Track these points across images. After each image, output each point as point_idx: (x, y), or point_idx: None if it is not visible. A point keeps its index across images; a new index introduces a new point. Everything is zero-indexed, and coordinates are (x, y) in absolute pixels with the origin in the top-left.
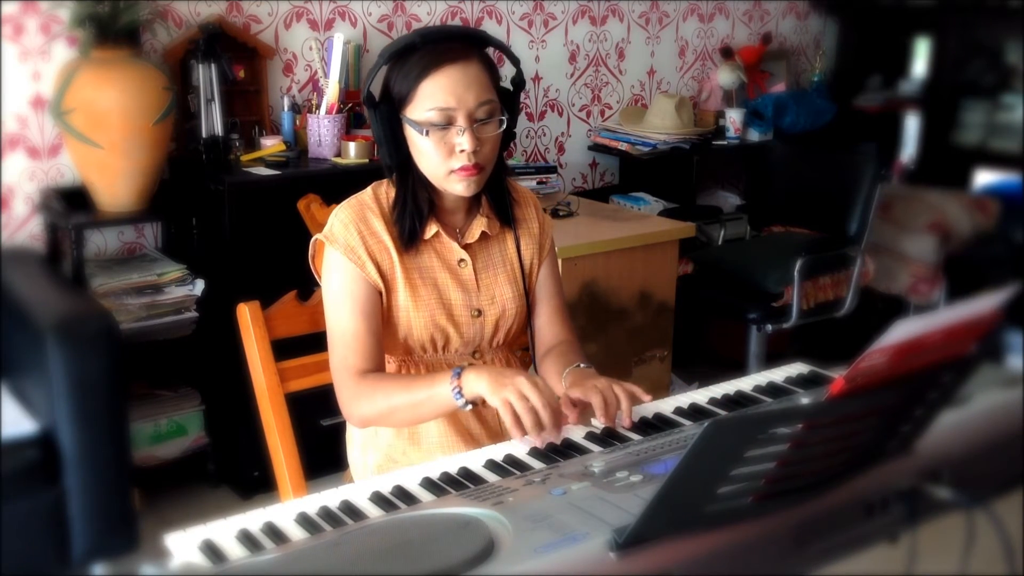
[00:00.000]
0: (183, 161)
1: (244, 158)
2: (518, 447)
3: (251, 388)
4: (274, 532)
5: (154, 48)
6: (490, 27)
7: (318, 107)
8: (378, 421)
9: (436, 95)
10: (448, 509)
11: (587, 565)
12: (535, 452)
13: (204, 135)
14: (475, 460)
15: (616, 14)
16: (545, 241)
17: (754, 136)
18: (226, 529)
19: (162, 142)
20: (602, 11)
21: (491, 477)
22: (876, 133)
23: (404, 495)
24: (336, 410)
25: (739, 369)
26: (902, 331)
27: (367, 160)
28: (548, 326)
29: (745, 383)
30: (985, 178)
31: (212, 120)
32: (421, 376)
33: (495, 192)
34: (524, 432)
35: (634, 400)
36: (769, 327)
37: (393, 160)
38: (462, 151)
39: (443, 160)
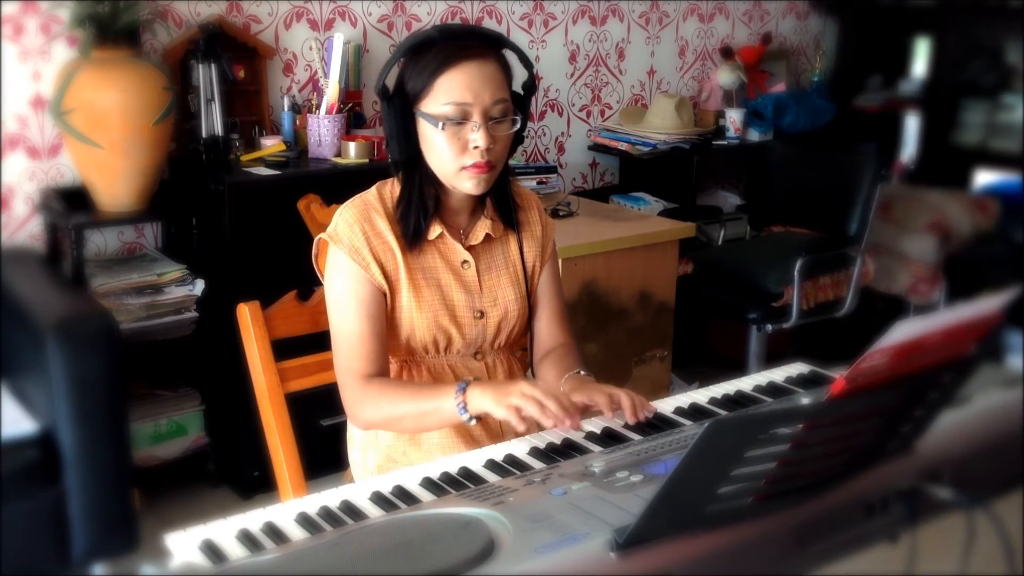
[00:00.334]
0: (183, 161)
1: (244, 158)
2: (518, 447)
3: (251, 388)
4: (274, 532)
5: (154, 48)
6: (490, 27)
7: (318, 107)
8: (382, 427)
9: (453, 90)
10: (448, 509)
11: (587, 565)
12: (535, 452)
13: (204, 135)
14: (475, 460)
15: (616, 14)
16: (547, 244)
17: (754, 136)
18: (226, 529)
19: (162, 142)
20: (602, 11)
21: (491, 477)
22: (876, 133)
23: (404, 495)
24: (336, 410)
25: (739, 369)
26: (902, 331)
27: (367, 160)
28: (547, 329)
29: (745, 383)
30: (985, 178)
31: (212, 120)
32: (426, 387)
33: (499, 194)
34: (530, 427)
35: (641, 404)
36: (769, 327)
37: (403, 155)
38: (476, 148)
39: (456, 156)
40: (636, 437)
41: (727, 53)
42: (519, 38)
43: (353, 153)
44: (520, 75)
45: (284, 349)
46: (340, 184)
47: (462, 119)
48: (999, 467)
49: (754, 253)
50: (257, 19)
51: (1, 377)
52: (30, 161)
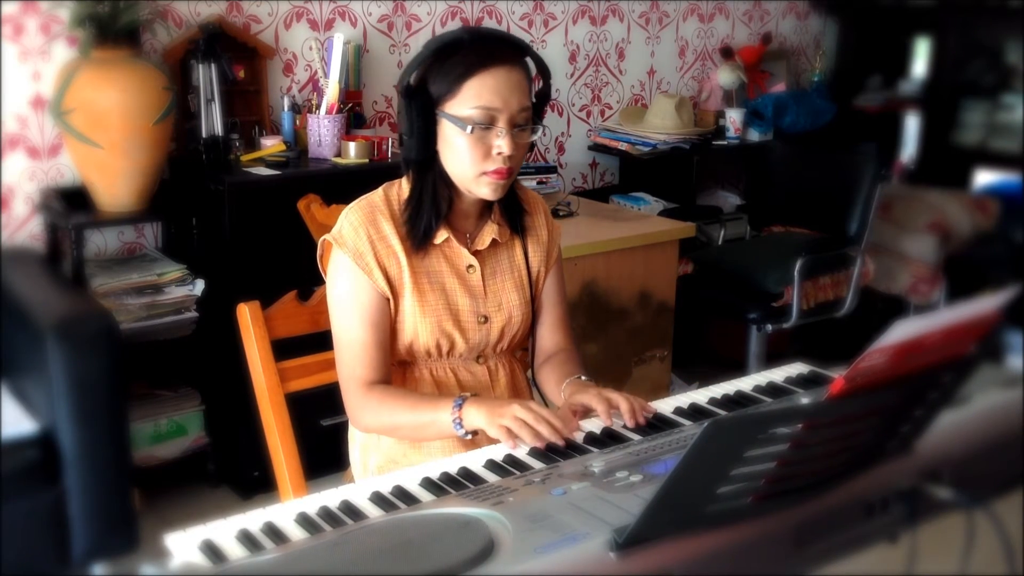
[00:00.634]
0: (183, 161)
1: (244, 158)
2: (518, 448)
3: (251, 388)
4: (274, 532)
5: (154, 48)
6: (490, 27)
7: (318, 107)
8: (382, 433)
9: (483, 94)
10: (448, 509)
11: (587, 565)
12: (535, 452)
13: (204, 135)
14: (475, 460)
15: (616, 14)
16: (553, 249)
17: (754, 136)
18: (226, 529)
19: (162, 142)
20: (602, 11)
21: (491, 477)
22: (876, 133)
23: (404, 495)
24: (336, 410)
25: (739, 369)
26: (902, 331)
27: (367, 160)
28: (549, 333)
29: (745, 383)
30: (985, 178)
31: (212, 120)
32: (425, 399)
33: (507, 199)
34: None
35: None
36: (769, 327)
37: (420, 155)
38: (499, 154)
39: (478, 161)
40: (636, 437)
41: (727, 53)
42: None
43: (353, 153)
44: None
45: (284, 349)
46: (340, 184)
47: (488, 124)
48: (999, 467)
49: (754, 253)
50: (257, 19)
51: (1, 377)
52: (30, 161)
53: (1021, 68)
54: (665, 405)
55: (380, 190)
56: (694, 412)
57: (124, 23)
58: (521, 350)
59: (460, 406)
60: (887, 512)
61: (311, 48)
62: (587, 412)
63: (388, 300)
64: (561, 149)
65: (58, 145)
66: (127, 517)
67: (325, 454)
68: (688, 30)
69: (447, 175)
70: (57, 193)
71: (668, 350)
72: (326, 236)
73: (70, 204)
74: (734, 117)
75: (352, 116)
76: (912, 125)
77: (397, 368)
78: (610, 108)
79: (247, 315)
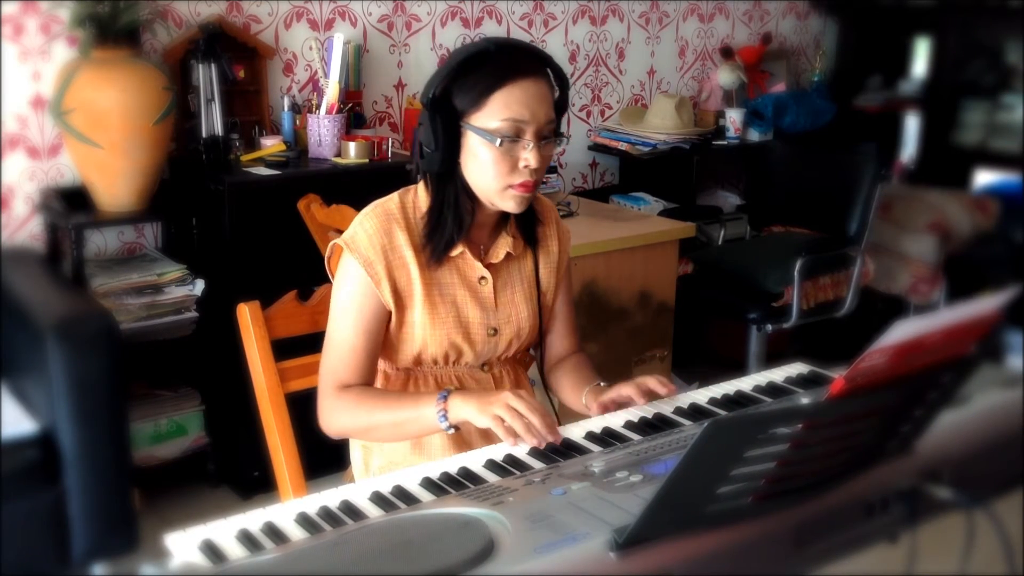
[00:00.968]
0: (183, 161)
1: (244, 158)
2: (518, 447)
3: (251, 388)
4: (274, 532)
5: (154, 48)
6: (490, 27)
7: (318, 107)
8: (355, 435)
9: (512, 105)
10: (448, 509)
11: (587, 565)
12: (535, 452)
13: (204, 135)
14: (475, 460)
15: (616, 14)
16: (563, 260)
17: (754, 136)
18: (226, 529)
19: (162, 142)
20: (602, 11)
21: (491, 477)
22: (876, 133)
23: (404, 495)
24: None
25: (739, 369)
26: (902, 331)
27: (367, 160)
28: (560, 340)
29: (745, 383)
30: (985, 178)
31: (212, 120)
32: (406, 395)
33: (524, 211)
34: (519, 439)
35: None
36: (769, 327)
37: (443, 167)
38: (526, 167)
39: (504, 174)
40: (636, 437)
41: (727, 53)
42: (519, 38)
43: (353, 153)
44: None
45: (284, 349)
46: (340, 184)
47: (516, 136)
48: (999, 467)
49: (754, 253)
50: (257, 19)
51: (1, 377)
52: (30, 161)
53: (1021, 68)
54: (665, 405)
55: (395, 197)
56: (694, 412)
57: (124, 23)
58: (523, 351)
59: (445, 398)
60: (887, 512)
61: (311, 48)
62: (623, 406)
63: (390, 313)
64: (561, 149)
65: (58, 145)
66: (127, 517)
67: (325, 454)
68: (688, 30)
69: (469, 187)
70: (57, 193)
71: (668, 350)
72: (337, 240)
73: (70, 204)
74: (734, 117)
75: (352, 116)
76: (912, 125)
77: (401, 374)
78: (610, 108)
79: (247, 315)
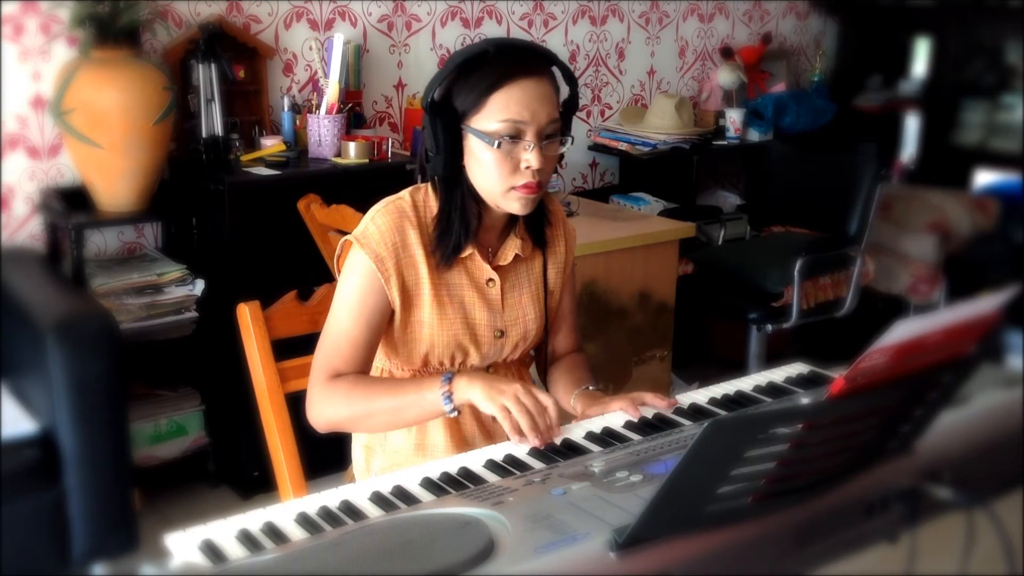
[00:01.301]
0: (183, 161)
1: (244, 158)
2: (518, 447)
3: (251, 388)
4: (274, 532)
5: (154, 48)
6: (490, 27)
7: (318, 107)
8: (348, 425)
9: (510, 107)
10: (448, 509)
11: (587, 565)
12: (535, 452)
13: (204, 135)
14: (475, 460)
15: (616, 14)
16: (570, 260)
17: (754, 136)
18: (226, 529)
19: (162, 142)
20: (602, 11)
21: (491, 477)
22: (876, 133)
23: (404, 495)
24: None
25: (739, 369)
26: (902, 331)
27: (367, 160)
28: (560, 339)
29: (745, 383)
30: (985, 178)
31: (212, 120)
32: (405, 380)
33: (533, 213)
34: (523, 437)
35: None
36: (769, 327)
37: (446, 171)
38: (527, 168)
39: (506, 176)
40: (636, 437)
41: (727, 53)
42: (519, 38)
43: (353, 153)
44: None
45: (284, 349)
46: (340, 184)
47: (516, 137)
48: (999, 467)
49: (754, 253)
50: (257, 19)
51: (1, 377)
52: (30, 161)
53: (1021, 68)
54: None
55: (407, 195)
56: (694, 412)
57: (124, 23)
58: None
59: (450, 380)
60: (887, 512)
61: (311, 48)
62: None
63: (394, 312)
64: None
65: (58, 145)
66: (127, 517)
67: (325, 454)
68: (688, 30)
69: (475, 190)
70: (57, 193)
71: (668, 350)
72: (347, 236)
73: (70, 204)
74: (734, 117)
75: (352, 116)
76: (912, 125)
77: (408, 375)
78: (610, 108)
79: (247, 315)
